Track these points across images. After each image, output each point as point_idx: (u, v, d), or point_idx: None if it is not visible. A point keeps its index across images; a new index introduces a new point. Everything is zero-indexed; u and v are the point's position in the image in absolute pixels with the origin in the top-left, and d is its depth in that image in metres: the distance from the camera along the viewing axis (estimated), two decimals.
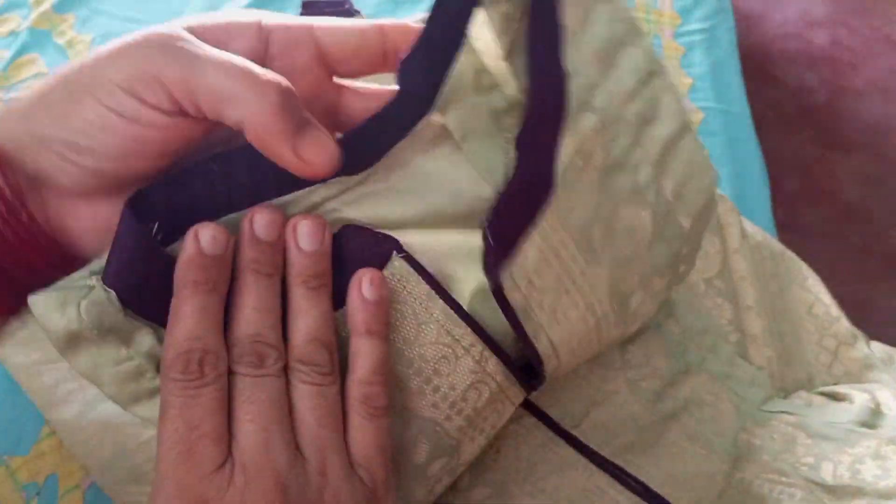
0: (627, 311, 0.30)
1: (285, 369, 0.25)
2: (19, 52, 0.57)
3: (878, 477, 0.34)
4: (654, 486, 0.38)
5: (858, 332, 0.43)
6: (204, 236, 0.24)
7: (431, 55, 0.26)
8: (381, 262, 0.27)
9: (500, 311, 0.27)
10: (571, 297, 0.28)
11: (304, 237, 0.26)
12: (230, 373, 0.25)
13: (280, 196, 0.27)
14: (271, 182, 0.27)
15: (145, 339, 0.26)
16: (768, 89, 1.38)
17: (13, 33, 0.58)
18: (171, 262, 0.25)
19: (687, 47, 0.58)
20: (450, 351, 0.28)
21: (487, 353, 0.28)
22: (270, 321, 0.25)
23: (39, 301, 0.25)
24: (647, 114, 0.29)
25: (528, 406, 0.39)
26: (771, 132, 1.32)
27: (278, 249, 0.26)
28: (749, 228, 0.45)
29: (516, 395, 0.31)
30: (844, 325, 0.43)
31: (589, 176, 0.27)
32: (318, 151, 0.25)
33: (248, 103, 0.23)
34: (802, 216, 1.24)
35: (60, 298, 0.25)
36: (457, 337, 0.28)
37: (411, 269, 0.27)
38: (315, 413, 0.25)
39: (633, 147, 0.28)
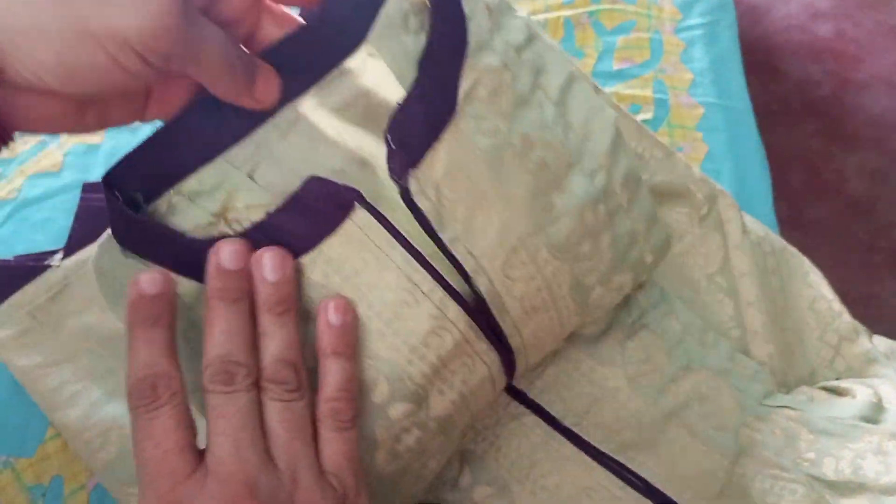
0: (552, 231, 0.31)
1: (258, 386, 0.27)
2: None
3: (880, 473, 0.34)
4: (656, 482, 0.38)
5: (861, 327, 0.43)
6: (143, 279, 0.27)
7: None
8: (344, 212, 0.29)
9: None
10: (486, 213, 0.30)
11: (269, 269, 0.28)
12: (206, 392, 0.27)
13: (236, 140, 0.31)
14: (228, 126, 0.30)
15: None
16: (772, 82, 1.37)
17: None
18: (135, 220, 0.29)
19: (687, 42, 0.57)
20: (410, 296, 0.29)
21: (448, 299, 0.30)
22: (238, 342, 0.27)
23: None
24: (538, 64, 0.32)
25: (529, 404, 0.40)
26: (775, 126, 1.32)
27: (243, 276, 0.28)
28: (750, 224, 0.44)
29: (487, 353, 0.32)
30: (846, 319, 0.43)
31: (496, 107, 0.30)
32: (269, 89, 0.29)
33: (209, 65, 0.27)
34: (807, 211, 1.23)
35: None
36: (416, 282, 0.30)
37: (372, 218, 0.29)
38: (284, 426, 0.27)
39: (535, 88, 0.32)
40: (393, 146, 0.29)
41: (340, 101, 0.32)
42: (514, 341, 0.32)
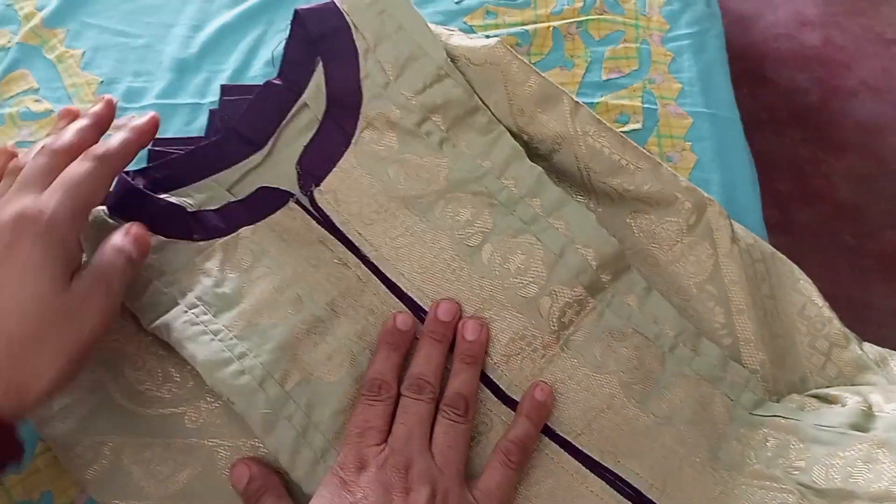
0: (427, 209, 0.44)
1: (437, 407, 0.38)
2: (9, 68, 0.57)
3: (871, 480, 0.34)
4: (648, 492, 0.38)
5: (851, 334, 0.43)
6: (399, 319, 0.40)
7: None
8: (281, 204, 0.44)
9: None
10: (371, 206, 0.43)
11: (469, 331, 0.40)
12: (401, 396, 0.38)
13: (224, 167, 0.45)
14: (220, 160, 0.45)
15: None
16: (761, 90, 1.38)
17: (3, 49, 0.58)
18: (135, 191, 0.42)
19: (675, 52, 0.58)
20: (324, 252, 0.43)
21: (348, 253, 0.43)
22: (432, 368, 0.39)
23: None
24: (432, 103, 0.44)
25: None
26: (764, 133, 1.33)
27: (450, 327, 0.40)
28: (740, 232, 0.45)
29: (375, 286, 0.43)
30: (837, 326, 0.43)
31: (385, 138, 0.44)
32: (137, 235, 0.38)
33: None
34: (795, 216, 1.24)
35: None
36: (327, 244, 0.43)
37: (299, 207, 0.44)
38: (446, 439, 0.37)
39: (423, 122, 0.44)
40: (300, 173, 0.45)
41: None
42: (400, 282, 0.43)
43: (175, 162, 0.44)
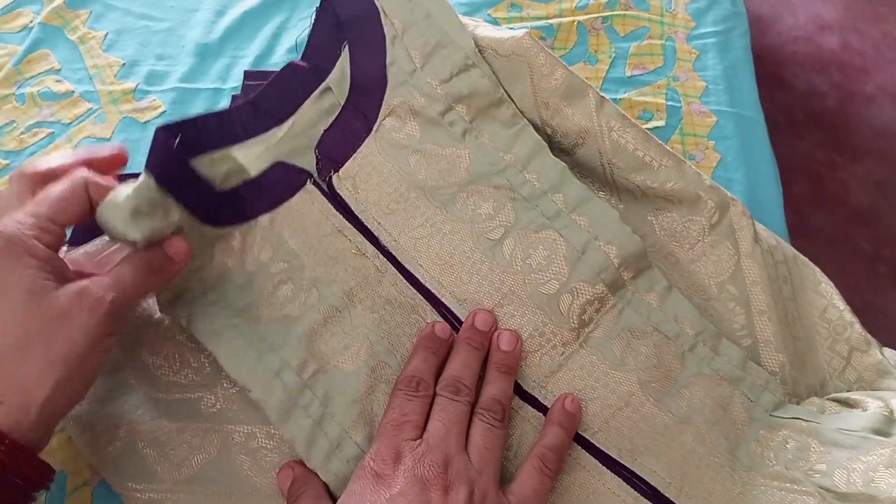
0: (448, 202, 0.43)
1: (472, 410, 0.38)
2: (31, 48, 0.57)
3: (892, 485, 0.33)
4: (665, 490, 0.38)
5: (872, 339, 0.43)
6: (437, 327, 0.40)
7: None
8: (299, 186, 0.43)
9: None
10: (391, 195, 0.43)
11: (504, 342, 0.40)
12: (437, 396, 0.38)
13: (244, 137, 0.43)
14: (242, 129, 0.43)
15: (176, 211, 0.38)
16: (778, 93, 1.38)
17: (26, 28, 0.58)
18: (184, 162, 0.39)
19: (700, 50, 0.57)
20: (339, 238, 0.43)
21: (367, 243, 0.42)
22: (468, 373, 0.39)
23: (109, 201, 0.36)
24: (458, 92, 0.43)
25: (540, 407, 0.39)
26: (780, 136, 1.32)
27: (486, 336, 0.40)
28: (762, 233, 0.44)
29: (393, 275, 0.42)
30: (858, 330, 0.43)
31: (408, 126, 0.43)
32: (178, 250, 0.38)
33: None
34: (811, 221, 1.23)
35: (121, 195, 0.36)
36: (342, 230, 0.43)
37: (317, 190, 0.43)
38: (483, 440, 0.37)
39: (448, 111, 0.43)
40: (319, 157, 0.44)
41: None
42: (419, 273, 0.42)
43: (198, 122, 0.41)
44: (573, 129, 0.43)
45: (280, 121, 0.44)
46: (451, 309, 0.41)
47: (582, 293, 0.40)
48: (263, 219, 0.42)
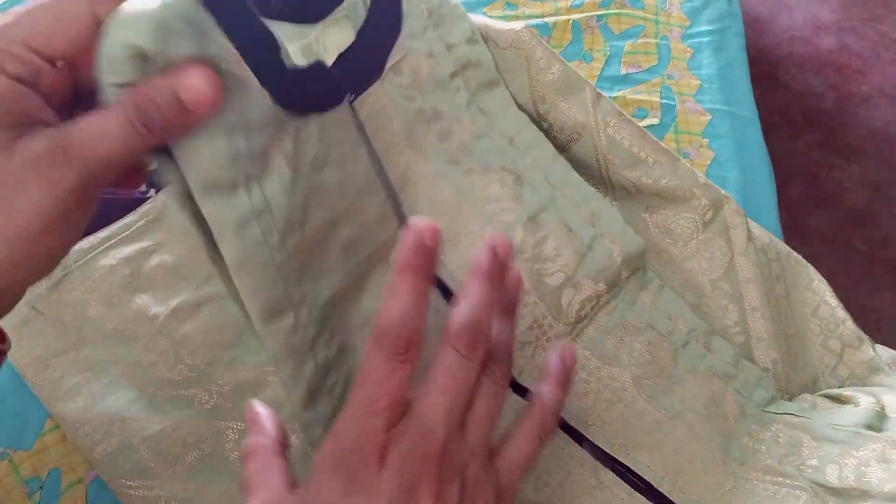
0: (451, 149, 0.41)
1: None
2: None
3: (884, 480, 0.34)
4: (659, 485, 0.38)
5: (864, 335, 0.43)
6: (426, 227, 0.28)
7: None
8: (338, 100, 0.35)
9: None
10: (396, 146, 0.39)
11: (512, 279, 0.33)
12: (444, 348, 0.28)
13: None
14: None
15: (217, 37, 0.27)
16: (775, 93, 1.38)
17: None
18: None
19: (695, 49, 0.57)
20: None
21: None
22: (488, 320, 0.29)
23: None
24: (466, 61, 0.42)
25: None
26: (777, 136, 1.32)
27: (506, 266, 0.30)
28: (755, 231, 0.44)
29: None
30: (850, 327, 0.43)
31: (415, 81, 0.40)
32: (198, 91, 0.26)
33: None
34: (807, 221, 1.23)
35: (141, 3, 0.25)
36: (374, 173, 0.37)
37: (351, 110, 0.36)
38: (487, 409, 0.29)
39: (455, 76, 0.41)
40: (341, 86, 0.36)
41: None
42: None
43: None
44: (569, 124, 0.44)
45: (314, 20, 0.37)
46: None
47: (584, 289, 0.40)
48: (315, 118, 0.33)
